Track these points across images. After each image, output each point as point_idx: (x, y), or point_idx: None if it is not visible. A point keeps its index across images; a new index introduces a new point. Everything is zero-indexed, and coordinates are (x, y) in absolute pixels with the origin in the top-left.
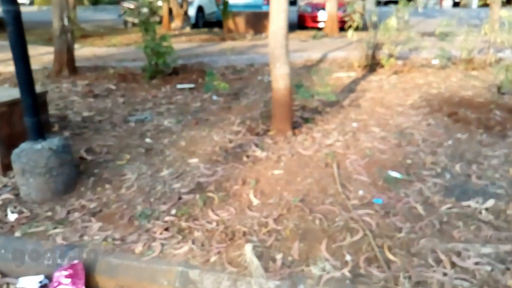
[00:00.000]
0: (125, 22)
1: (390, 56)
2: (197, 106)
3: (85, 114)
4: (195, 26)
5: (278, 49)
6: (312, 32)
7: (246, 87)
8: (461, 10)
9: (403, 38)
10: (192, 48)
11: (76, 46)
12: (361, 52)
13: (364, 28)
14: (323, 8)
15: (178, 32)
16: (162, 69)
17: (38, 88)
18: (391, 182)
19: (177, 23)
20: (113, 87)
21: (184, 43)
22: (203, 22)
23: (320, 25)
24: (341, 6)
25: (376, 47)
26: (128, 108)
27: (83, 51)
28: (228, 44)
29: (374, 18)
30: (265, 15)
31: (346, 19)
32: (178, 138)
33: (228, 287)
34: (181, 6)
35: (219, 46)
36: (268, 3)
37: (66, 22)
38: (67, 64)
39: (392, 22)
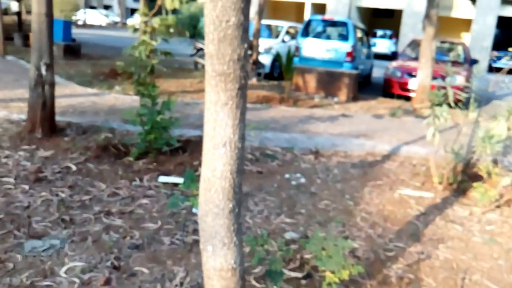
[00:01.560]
0: (196, 64)
1: (489, 174)
2: (155, 228)
3: None
4: (269, 76)
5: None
6: (397, 103)
7: (259, 190)
8: None
9: None
10: None
11: (117, 87)
12: (447, 160)
13: (466, 104)
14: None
15: None
16: (158, 146)
17: None
18: None
19: None
20: (74, 167)
21: None
22: (279, 72)
23: (411, 94)
24: (437, 75)
25: (470, 158)
26: (55, 214)
27: (111, 98)
28: (280, 111)
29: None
30: (340, 76)
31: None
32: None
33: None
34: (251, 54)
35: (267, 113)
36: (351, 61)
37: (43, 70)
38: (41, 124)
39: (501, 128)
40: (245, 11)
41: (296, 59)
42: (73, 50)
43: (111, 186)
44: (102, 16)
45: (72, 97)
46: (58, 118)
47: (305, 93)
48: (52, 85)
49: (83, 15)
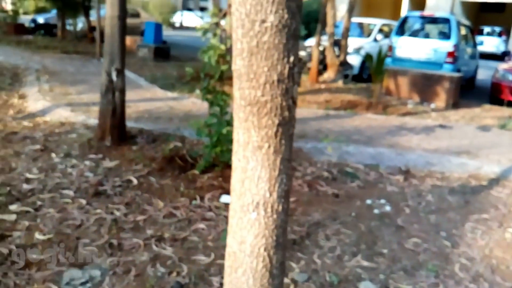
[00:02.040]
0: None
1: None
2: (207, 263)
3: (38, 236)
4: (357, 77)
5: None
6: (507, 111)
7: (333, 219)
8: None
9: None
10: (310, 120)
11: (197, 91)
12: None
13: None
14: None
15: (324, 86)
16: (225, 160)
17: None
18: None
19: (329, 74)
20: (135, 181)
21: (309, 109)
22: (369, 74)
23: None
24: None
25: None
26: (105, 237)
27: (188, 103)
28: (365, 119)
29: None
30: (439, 79)
31: None
32: None
33: None
34: (339, 54)
35: (351, 121)
36: (453, 62)
37: (114, 76)
38: (110, 131)
39: None
40: (291, 4)
41: (388, 60)
42: (163, 52)
43: (169, 205)
44: (197, 18)
45: (151, 101)
46: (132, 124)
47: (397, 98)
48: (123, 91)
49: (180, 17)
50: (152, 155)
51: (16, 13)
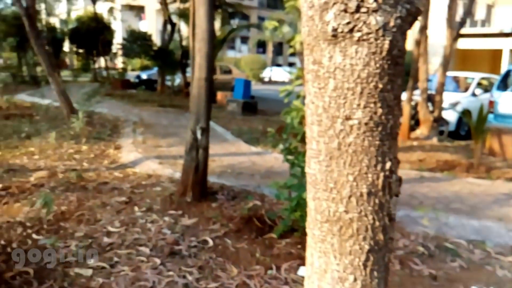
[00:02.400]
0: None
1: None
2: None
3: None
4: (454, 134)
5: None
6: None
7: None
8: None
9: None
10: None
11: (281, 146)
12: None
13: None
14: None
15: (417, 143)
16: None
17: None
18: None
19: (422, 130)
20: (211, 242)
21: (400, 169)
22: (467, 131)
23: None
24: None
25: None
26: None
27: (271, 158)
28: (466, 184)
29: None
30: None
31: None
32: None
33: None
34: (432, 110)
35: (449, 185)
36: None
37: (199, 135)
38: (192, 187)
39: None
40: (388, 96)
41: (490, 117)
42: (250, 106)
43: (243, 273)
44: (285, 73)
45: (235, 155)
46: (214, 179)
47: (503, 159)
48: (206, 149)
49: (269, 73)
50: (231, 214)
51: (124, 70)
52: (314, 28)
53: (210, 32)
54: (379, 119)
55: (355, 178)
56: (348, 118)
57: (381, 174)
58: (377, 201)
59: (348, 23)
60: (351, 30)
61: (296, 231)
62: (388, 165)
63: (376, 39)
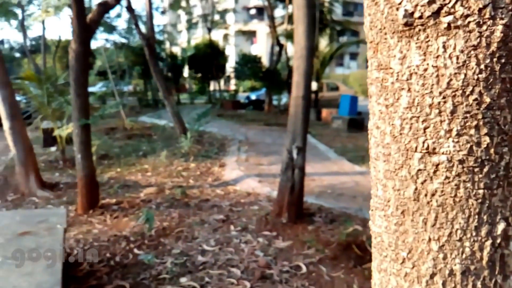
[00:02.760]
0: None
1: None
2: None
3: None
4: None
5: None
6: None
7: None
8: None
9: None
10: None
11: None
12: None
13: None
14: None
15: None
16: None
17: None
18: None
19: None
20: (304, 268)
21: None
22: None
23: None
24: None
25: None
26: None
27: None
28: None
29: None
30: None
31: None
32: None
33: None
34: None
35: None
36: None
37: (295, 154)
38: (287, 208)
39: None
40: (499, 115)
41: None
42: (356, 123)
43: None
44: None
45: (337, 175)
46: (312, 199)
47: None
48: (302, 169)
49: None
50: (328, 238)
51: (236, 91)
52: (378, 15)
53: (308, 49)
54: (485, 154)
55: (443, 246)
56: (431, 152)
57: (488, 243)
58: (479, 285)
59: (431, 2)
60: (436, 13)
61: None
62: (500, 227)
63: (479, 25)
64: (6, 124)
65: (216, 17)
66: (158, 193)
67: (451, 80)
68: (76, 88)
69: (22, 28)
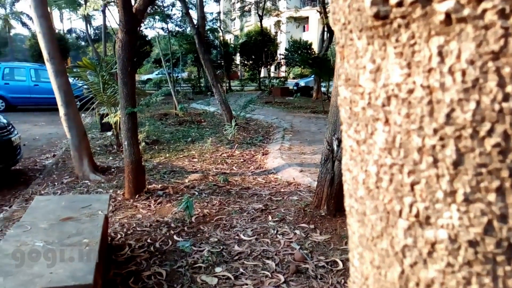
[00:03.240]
0: None
1: None
2: None
3: None
4: None
5: None
6: None
7: None
8: None
9: None
10: None
11: None
12: None
13: None
14: None
15: None
16: None
17: None
18: None
19: None
20: (341, 264)
21: None
22: None
23: None
24: None
25: None
26: None
27: None
28: None
29: None
30: None
31: None
32: None
33: None
34: None
35: None
36: None
37: (335, 146)
38: (327, 201)
39: None
40: None
41: None
42: None
43: None
44: None
45: None
46: None
47: None
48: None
49: None
50: None
51: (285, 78)
52: (340, 2)
53: None
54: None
55: None
56: (424, 222)
57: None
58: None
59: None
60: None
61: None
62: None
63: (504, 15)
64: (61, 111)
65: (268, 4)
66: (202, 180)
67: (453, 110)
68: (123, 77)
69: (85, 17)
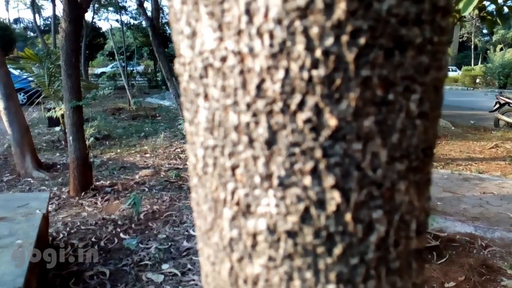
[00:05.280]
0: (497, 121)
1: None
2: None
3: None
4: None
5: None
6: None
7: None
8: None
9: None
10: None
11: None
12: None
13: None
14: None
15: None
16: None
17: None
18: None
19: None
20: None
21: None
22: None
23: None
24: None
25: None
26: None
27: None
28: None
29: None
30: None
31: None
32: None
33: None
34: None
35: None
36: None
37: None
38: None
39: None
40: None
41: None
42: None
43: None
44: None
45: None
46: None
47: None
48: None
49: None
50: None
51: None
52: None
53: None
54: (335, 223)
55: None
56: (245, 210)
57: None
58: None
59: None
60: None
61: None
62: None
63: None
64: (0, 104)
65: None
66: (153, 175)
67: (263, 81)
68: (66, 69)
69: (32, 6)
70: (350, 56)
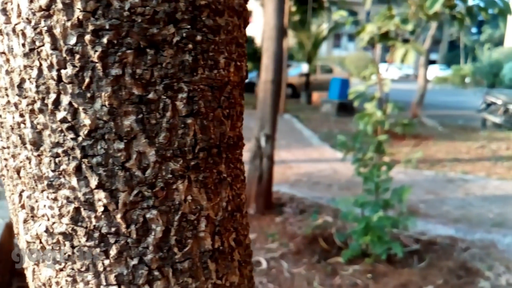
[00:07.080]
0: (484, 121)
1: None
2: None
3: None
4: None
5: None
6: None
7: None
8: None
9: None
10: None
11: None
12: None
13: None
14: None
15: None
16: (379, 252)
17: None
18: None
19: None
20: (264, 264)
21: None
22: None
23: None
24: None
25: None
26: None
27: None
28: None
29: None
30: None
31: None
32: None
33: None
34: None
35: None
36: None
37: (263, 142)
38: (256, 199)
39: None
40: None
41: None
42: (347, 107)
43: None
44: (395, 70)
45: (316, 162)
46: (285, 189)
47: None
48: (271, 158)
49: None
50: (294, 231)
51: None
52: None
53: (278, 29)
54: (106, 224)
55: None
56: (33, 214)
57: None
58: None
59: None
60: None
61: (368, 256)
62: None
63: None
64: None
65: None
66: None
67: (23, 80)
68: None
69: None
70: (95, 55)
